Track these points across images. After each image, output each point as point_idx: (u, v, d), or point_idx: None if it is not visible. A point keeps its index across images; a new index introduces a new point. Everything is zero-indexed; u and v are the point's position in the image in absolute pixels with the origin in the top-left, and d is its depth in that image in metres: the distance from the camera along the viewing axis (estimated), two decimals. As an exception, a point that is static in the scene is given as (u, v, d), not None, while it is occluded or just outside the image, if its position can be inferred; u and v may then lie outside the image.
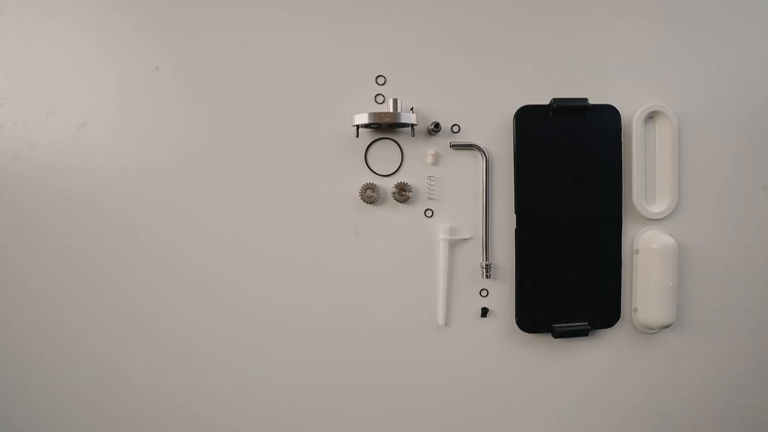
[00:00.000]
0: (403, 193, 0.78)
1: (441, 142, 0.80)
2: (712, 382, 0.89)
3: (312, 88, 0.78)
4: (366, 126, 0.76)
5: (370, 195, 0.77)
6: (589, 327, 0.82)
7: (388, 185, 0.79)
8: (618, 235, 0.82)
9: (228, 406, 0.81)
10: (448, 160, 0.81)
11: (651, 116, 0.82)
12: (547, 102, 0.80)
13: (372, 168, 0.79)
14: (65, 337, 0.78)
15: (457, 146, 0.80)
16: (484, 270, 0.80)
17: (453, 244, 0.81)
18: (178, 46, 0.76)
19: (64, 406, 0.79)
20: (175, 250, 0.78)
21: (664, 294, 0.81)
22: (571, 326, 0.81)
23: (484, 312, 0.82)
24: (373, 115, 0.73)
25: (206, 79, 0.77)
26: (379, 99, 0.79)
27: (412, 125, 0.76)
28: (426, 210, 0.81)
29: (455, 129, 0.80)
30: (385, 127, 0.78)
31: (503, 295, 0.82)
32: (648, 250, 0.82)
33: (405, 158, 0.80)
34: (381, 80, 0.79)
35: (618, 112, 0.81)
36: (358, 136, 0.77)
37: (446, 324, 0.82)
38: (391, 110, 0.74)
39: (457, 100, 0.80)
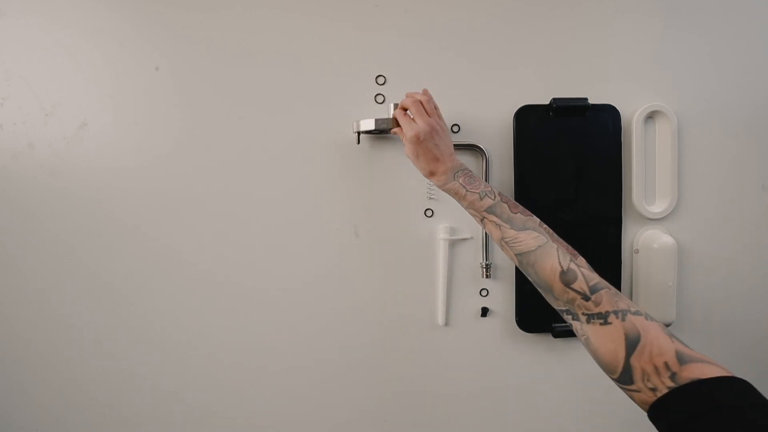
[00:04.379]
0: None
1: (441, 142, 0.80)
2: (712, 382, 0.89)
3: (311, 88, 0.78)
4: (368, 132, 0.76)
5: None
6: (589, 327, 0.82)
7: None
8: (618, 235, 0.82)
9: (229, 401, 0.81)
10: (448, 160, 0.80)
11: (651, 116, 0.82)
12: (547, 102, 0.80)
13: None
14: (66, 337, 0.78)
15: (457, 146, 0.80)
16: (484, 270, 0.80)
17: (453, 244, 0.81)
18: (178, 46, 0.76)
19: (64, 406, 0.79)
20: (175, 249, 0.78)
21: (664, 294, 0.81)
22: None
23: (484, 312, 0.82)
24: (377, 121, 0.72)
25: (206, 78, 0.77)
26: (379, 99, 0.79)
27: None
28: (426, 210, 0.81)
29: (455, 129, 0.80)
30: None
31: (503, 295, 0.82)
32: (648, 250, 0.82)
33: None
34: (381, 80, 0.79)
35: (618, 111, 0.81)
36: (359, 143, 0.77)
37: (446, 324, 0.82)
38: (391, 116, 0.73)
39: (457, 100, 0.80)
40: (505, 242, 0.62)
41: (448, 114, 0.80)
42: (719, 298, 0.87)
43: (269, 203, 0.79)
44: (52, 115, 0.76)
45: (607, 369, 0.51)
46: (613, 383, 0.52)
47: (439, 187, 0.68)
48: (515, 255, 0.62)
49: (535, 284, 0.61)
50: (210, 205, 0.78)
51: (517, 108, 0.80)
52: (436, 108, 0.70)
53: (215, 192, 0.78)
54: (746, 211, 0.86)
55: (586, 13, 0.82)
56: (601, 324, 0.52)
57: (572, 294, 0.55)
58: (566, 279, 0.56)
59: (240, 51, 0.77)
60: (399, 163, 0.80)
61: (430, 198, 0.80)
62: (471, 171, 0.68)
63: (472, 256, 0.82)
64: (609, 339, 0.50)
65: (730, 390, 0.41)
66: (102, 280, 0.77)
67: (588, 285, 0.55)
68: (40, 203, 0.76)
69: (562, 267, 0.57)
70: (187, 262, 0.78)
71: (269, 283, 0.79)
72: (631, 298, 0.85)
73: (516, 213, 0.63)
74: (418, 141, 0.66)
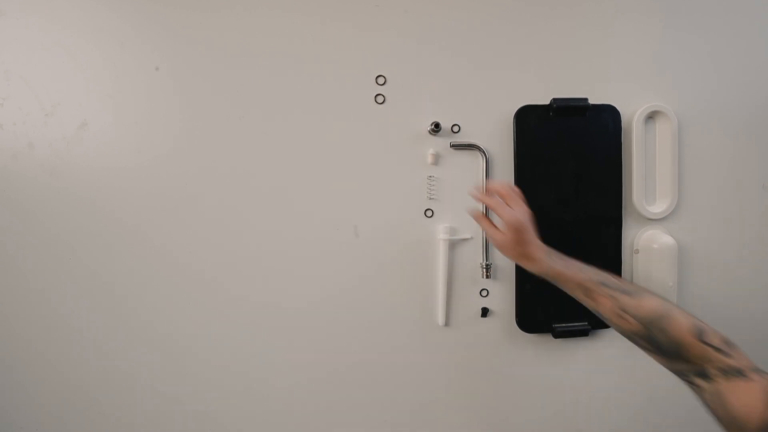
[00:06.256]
0: None
1: (441, 142, 0.80)
2: (712, 382, 0.89)
3: (311, 88, 0.78)
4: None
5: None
6: (589, 327, 0.82)
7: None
8: (618, 235, 0.82)
9: (229, 402, 0.81)
10: (448, 160, 0.81)
11: (651, 116, 0.82)
12: (547, 102, 0.80)
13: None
14: (66, 336, 0.78)
15: (457, 146, 0.80)
16: (484, 270, 0.80)
17: (453, 244, 0.81)
18: (178, 46, 0.76)
19: (64, 406, 0.79)
20: (175, 249, 0.78)
21: (664, 294, 0.81)
22: (571, 326, 0.81)
23: (484, 312, 0.82)
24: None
25: (206, 78, 0.77)
26: (379, 99, 0.79)
27: None
28: (426, 210, 0.81)
29: (455, 129, 0.80)
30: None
31: (503, 295, 0.82)
32: (648, 250, 0.82)
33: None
34: (381, 80, 0.79)
35: (618, 112, 0.81)
36: None
37: (446, 324, 0.82)
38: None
39: (457, 99, 0.80)
40: (623, 311, 0.60)
41: (449, 114, 0.80)
42: (719, 298, 0.87)
43: (269, 203, 0.79)
44: (52, 115, 0.76)
45: (737, 424, 0.48)
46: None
47: (538, 272, 0.66)
48: (638, 322, 0.58)
49: (648, 350, 0.58)
50: (210, 206, 0.78)
51: (517, 108, 0.80)
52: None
53: (215, 192, 0.78)
54: (746, 211, 0.86)
55: (586, 13, 0.82)
56: (738, 379, 0.51)
57: (707, 349, 0.53)
58: (701, 335, 0.54)
59: (240, 51, 0.77)
60: (399, 163, 0.80)
61: (430, 198, 0.80)
62: (556, 251, 0.67)
63: (472, 256, 0.82)
64: (747, 394, 0.49)
65: None
66: (102, 280, 0.77)
67: (722, 339, 0.54)
68: (40, 203, 0.76)
69: (695, 323, 0.55)
70: (187, 263, 0.78)
71: (269, 283, 0.79)
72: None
73: (622, 281, 0.62)
74: (520, 227, 0.65)
